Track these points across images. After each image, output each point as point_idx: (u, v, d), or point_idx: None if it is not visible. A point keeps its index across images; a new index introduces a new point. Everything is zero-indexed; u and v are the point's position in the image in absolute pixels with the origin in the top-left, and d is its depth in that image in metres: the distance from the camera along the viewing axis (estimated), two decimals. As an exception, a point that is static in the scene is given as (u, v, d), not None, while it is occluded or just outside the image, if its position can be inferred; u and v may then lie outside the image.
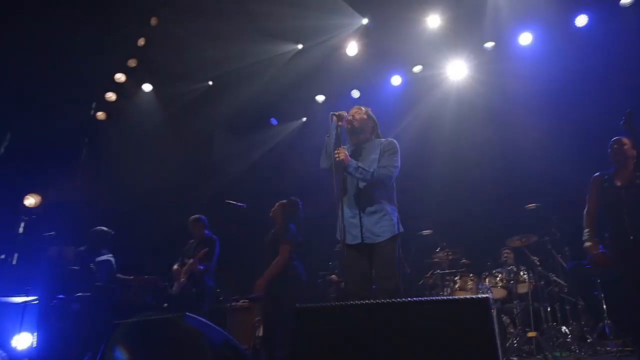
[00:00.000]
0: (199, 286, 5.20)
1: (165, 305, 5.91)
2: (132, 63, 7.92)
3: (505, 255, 6.18)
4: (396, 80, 8.20)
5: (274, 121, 9.13)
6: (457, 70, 7.60)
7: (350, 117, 3.21)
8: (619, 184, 3.29)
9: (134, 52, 7.73)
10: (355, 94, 8.53)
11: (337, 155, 2.94)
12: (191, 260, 5.16)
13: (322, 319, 1.67)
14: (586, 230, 3.45)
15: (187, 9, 7.03)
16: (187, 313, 2.22)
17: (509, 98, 6.98)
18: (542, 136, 6.54)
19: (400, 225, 3.02)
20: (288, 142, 8.96)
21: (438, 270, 5.92)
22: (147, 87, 8.20)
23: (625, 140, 3.39)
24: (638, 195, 3.14)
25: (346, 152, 3.02)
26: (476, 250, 6.39)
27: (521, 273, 5.54)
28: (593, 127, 5.90)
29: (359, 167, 3.03)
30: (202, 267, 5.06)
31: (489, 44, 7.21)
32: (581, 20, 6.70)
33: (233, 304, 6.06)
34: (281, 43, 7.43)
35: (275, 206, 4.59)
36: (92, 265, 5.11)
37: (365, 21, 7.00)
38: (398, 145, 3.19)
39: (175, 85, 8.15)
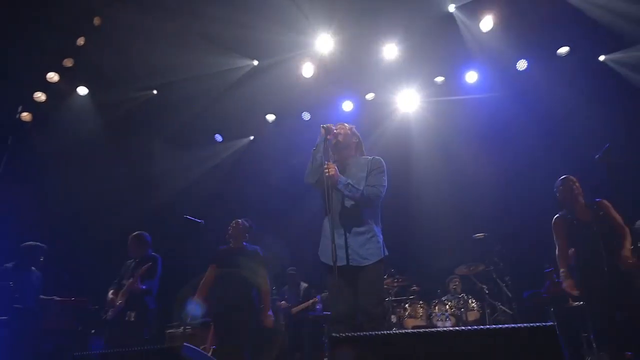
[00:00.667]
0: (139, 309, 4.69)
1: (93, 331, 5.27)
2: (68, 63, 7.24)
3: (454, 283, 6.30)
4: (347, 105, 8.28)
5: (218, 137, 8.77)
6: (408, 101, 7.83)
7: (336, 131, 3.09)
8: (584, 219, 3.45)
9: (71, 51, 7.10)
10: (306, 116, 8.49)
11: (326, 170, 2.78)
12: (130, 279, 4.66)
13: (363, 349, 1.46)
14: (562, 270, 3.56)
15: (136, 10, 6.61)
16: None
17: (458, 131, 7.29)
18: (490, 168, 6.86)
19: (385, 248, 2.91)
20: (234, 160, 8.63)
21: (386, 298, 5.87)
22: (82, 90, 7.53)
23: (573, 178, 3.60)
24: (606, 227, 3.31)
25: (336, 168, 2.88)
26: (426, 277, 6.46)
27: (470, 301, 5.65)
28: (536, 163, 6.30)
29: (348, 184, 2.88)
30: (143, 287, 4.57)
31: (439, 79, 7.53)
32: (521, 65, 7.22)
33: (171, 330, 5.56)
34: (236, 57, 7.20)
35: (233, 224, 4.30)
36: (11, 284, 4.41)
37: (324, 43, 6.96)
38: (385, 164, 3.11)
39: (115, 91, 7.56)
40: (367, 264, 2.78)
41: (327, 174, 2.76)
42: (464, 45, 6.99)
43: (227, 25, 6.81)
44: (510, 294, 5.62)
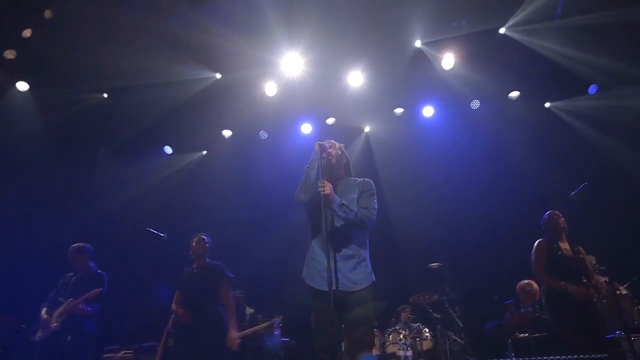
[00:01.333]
0: (76, 332, 4.22)
1: (16, 354, 4.68)
2: (9, 55, 6.63)
3: (406, 312, 6.32)
4: (306, 128, 8.25)
5: (167, 150, 8.35)
6: (369, 127, 7.98)
7: (330, 150, 2.99)
8: (567, 253, 3.63)
9: (15, 42, 6.51)
10: (263, 134, 8.35)
11: (321, 189, 2.66)
12: (70, 300, 4.20)
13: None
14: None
15: (94, 4, 6.20)
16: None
17: (415, 161, 7.48)
18: (448, 198, 7.07)
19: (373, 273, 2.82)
20: (185, 173, 8.25)
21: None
22: (22, 86, 6.89)
23: (559, 213, 3.80)
24: (582, 266, 3.50)
25: (331, 187, 2.77)
26: (379, 305, 6.43)
27: (424, 330, 5.67)
28: (489, 196, 6.58)
29: (343, 204, 2.78)
30: (89, 309, 4.13)
31: (399, 110, 7.74)
32: (475, 104, 7.62)
33: (109, 355, 5.06)
34: (199, 68, 6.95)
35: (198, 241, 4.04)
36: None
37: (290, 63, 6.91)
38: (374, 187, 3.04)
39: (60, 90, 6.99)
40: (357, 289, 2.67)
41: (322, 192, 2.65)
42: (426, 80, 7.30)
43: (193, 33, 6.61)
44: (461, 324, 5.72)
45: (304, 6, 6.41)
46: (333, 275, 2.60)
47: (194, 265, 4.07)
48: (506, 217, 6.66)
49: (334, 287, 2.55)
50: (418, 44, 6.66)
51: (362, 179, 3.05)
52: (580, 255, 3.60)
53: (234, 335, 3.71)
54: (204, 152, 8.54)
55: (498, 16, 6.50)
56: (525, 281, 5.50)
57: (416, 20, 6.61)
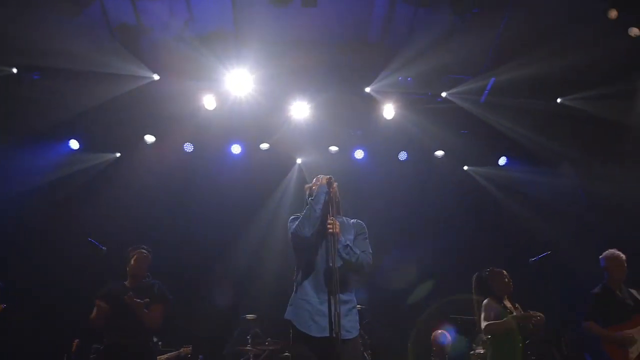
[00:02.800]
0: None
1: None
2: None
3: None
4: (236, 148, 7.95)
5: (74, 144, 7.39)
6: (300, 160, 7.98)
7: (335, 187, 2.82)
8: (510, 309, 3.82)
9: None
10: (188, 147, 7.84)
11: (330, 227, 2.50)
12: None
13: None
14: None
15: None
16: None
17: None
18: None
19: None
20: (94, 174, 7.36)
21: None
22: None
23: (505, 272, 4.02)
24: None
25: (339, 225, 2.61)
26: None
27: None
28: (409, 246, 6.88)
29: (347, 245, 2.63)
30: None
31: (333, 148, 7.86)
32: (402, 156, 8.04)
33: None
34: (137, 64, 6.37)
35: (138, 255, 3.53)
36: None
37: (236, 79, 6.65)
38: None
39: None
40: (350, 337, 2.52)
41: (330, 230, 2.48)
42: (363, 123, 7.56)
43: (137, 26, 6.11)
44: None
45: (263, 26, 6.35)
46: (326, 320, 2.46)
47: (127, 283, 3.53)
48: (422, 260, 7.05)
49: (327, 334, 2.40)
50: (367, 89, 6.87)
51: (354, 220, 2.95)
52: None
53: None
54: (118, 155, 7.72)
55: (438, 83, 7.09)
56: (440, 331, 5.77)
57: (368, 68, 6.91)
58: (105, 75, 6.36)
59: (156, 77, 6.60)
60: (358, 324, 2.66)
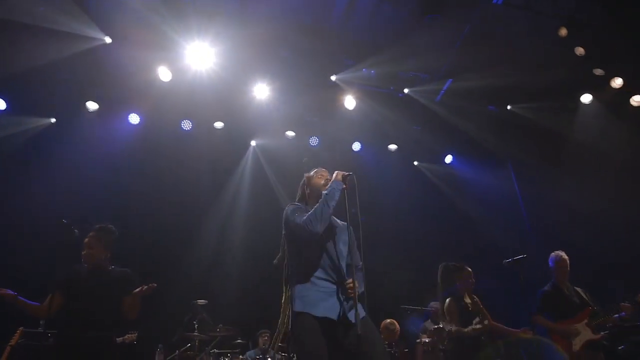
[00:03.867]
0: None
1: None
2: None
3: (263, 338, 6.18)
4: (187, 124, 7.55)
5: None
6: (254, 142, 7.80)
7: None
8: (473, 309, 4.04)
9: None
10: (134, 118, 7.29)
11: (350, 290, 2.46)
12: None
13: None
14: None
15: None
16: None
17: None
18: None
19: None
20: (20, 141, 6.60)
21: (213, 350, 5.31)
22: None
23: (470, 271, 4.24)
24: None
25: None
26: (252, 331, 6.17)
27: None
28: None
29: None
30: None
31: (290, 133, 7.76)
32: (356, 146, 8.15)
33: None
34: (87, 23, 5.77)
35: (94, 233, 3.17)
36: None
37: (196, 51, 6.27)
38: None
39: None
40: (362, 315, 2.51)
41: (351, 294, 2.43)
42: (322, 112, 7.53)
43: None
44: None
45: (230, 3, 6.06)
46: (339, 306, 2.46)
47: (87, 265, 3.18)
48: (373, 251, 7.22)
49: (340, 317, 2.41)
50: (333, 78, 6.82)
51: (346, 224, 2.83)
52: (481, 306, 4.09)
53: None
54: (53, 120, 6.99)
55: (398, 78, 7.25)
56: (389, 320, 5.99)
57: (331, 55, 6.87)
58: (50, 31, 5.70)
59: (108, 40, 6.04)
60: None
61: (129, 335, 5.05)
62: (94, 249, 3.15)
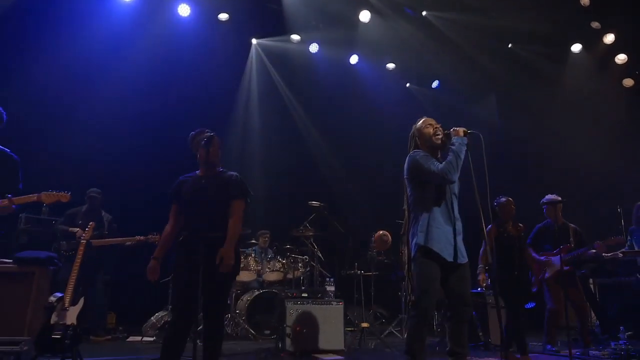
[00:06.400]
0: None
1: None
2: None
3: (264, 238, 6.58)
4: (184, 10, 6.85)
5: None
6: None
7: None
8: (513, 233, 4.56)
9: None
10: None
11: None
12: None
13: None
14: (480, 265, 4.50)
15: None
16: None
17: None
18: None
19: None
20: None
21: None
22: None
23: (512, 200, 4.68)
24: (520, 244, 4.53)
25: None
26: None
27: (297, 259, 6.08)
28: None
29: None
30: None
31: (295, 37, 7.48)
32: (353, 59, 8.12)
33: None
34: None
35: (213, 141, 2.96)
36: None
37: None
38: None
39: None
40: (464, 262, 2.94)
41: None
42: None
43: None
44: (322, 258, 6.32)
45: None
46: (453, 248, 2.84)
47: (200, 173, 3.00)
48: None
49: (451, 259, 2.83)
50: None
51: None
52: (522, 233, 4.67)
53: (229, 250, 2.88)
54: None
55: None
56: (382, 232, 6.61)
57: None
58: None
59: None
60: None
61: (152, 236, 5.02)
62: (216, 151, 2.96)
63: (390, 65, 8.20)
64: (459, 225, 2.98)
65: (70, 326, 3.16)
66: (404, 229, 3.10)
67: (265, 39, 7.48)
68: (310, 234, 6.12)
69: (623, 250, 5.05)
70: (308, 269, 6.17)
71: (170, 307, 5.34)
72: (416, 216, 2.97)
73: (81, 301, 3.26)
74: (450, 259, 2.84)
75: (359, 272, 6.36)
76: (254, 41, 7.55)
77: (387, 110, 8.17)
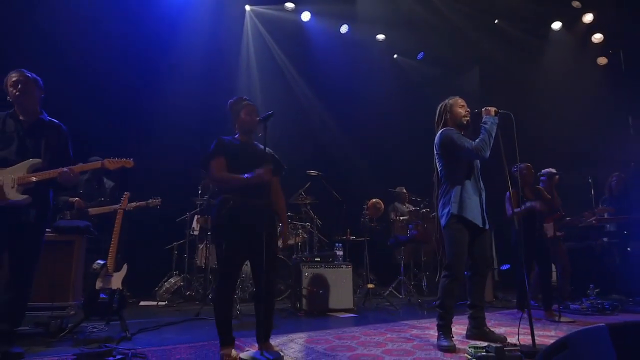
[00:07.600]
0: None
1: None
2: None
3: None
4: None
5: None
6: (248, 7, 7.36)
7: None
8: (530, 199, 4.87)
9: None
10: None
11: None
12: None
13: None
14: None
15: None
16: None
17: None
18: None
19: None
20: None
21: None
22: None
23: (530, 165, 4.97)
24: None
25: None
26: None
27: (298, 226, 6.33)
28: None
29: None
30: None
31: (290, 5, 7.44)
32: (344, 29, 8.21)
33: None
34: None
35: (251, 110, 2.95)
36: None
37: None
38: None
39: None
40: (487, 228, 3.29)
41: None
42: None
43: None
44: (320, 222, 6.58)
45: None
46: (480, 214, 3.19)
47: (241, 139, 2.97)
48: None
49: (481, 224, 3.20)
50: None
51: None
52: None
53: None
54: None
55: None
56: (375, 200, 6.95)
57: None
58: None
59: None
60: None
61: (153, 200, 5.10)
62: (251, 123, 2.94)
63: (380, 37, 8.35)
64: (483, 195, 3.33)
65: (116, 290, 3.31)
66: (435, 198, 3.41)
67: (259, 6, 7.42)
68: (308, 201, 6.38)
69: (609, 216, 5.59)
70: (307, 235, 6.43)
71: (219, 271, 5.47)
72: (448, 188, 3.27)
73: (124, 267, 3.39)
74: (481, 225, 3.19)
75: (351, 237, 6.70)
76: (247, 7, 7.46)
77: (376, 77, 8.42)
